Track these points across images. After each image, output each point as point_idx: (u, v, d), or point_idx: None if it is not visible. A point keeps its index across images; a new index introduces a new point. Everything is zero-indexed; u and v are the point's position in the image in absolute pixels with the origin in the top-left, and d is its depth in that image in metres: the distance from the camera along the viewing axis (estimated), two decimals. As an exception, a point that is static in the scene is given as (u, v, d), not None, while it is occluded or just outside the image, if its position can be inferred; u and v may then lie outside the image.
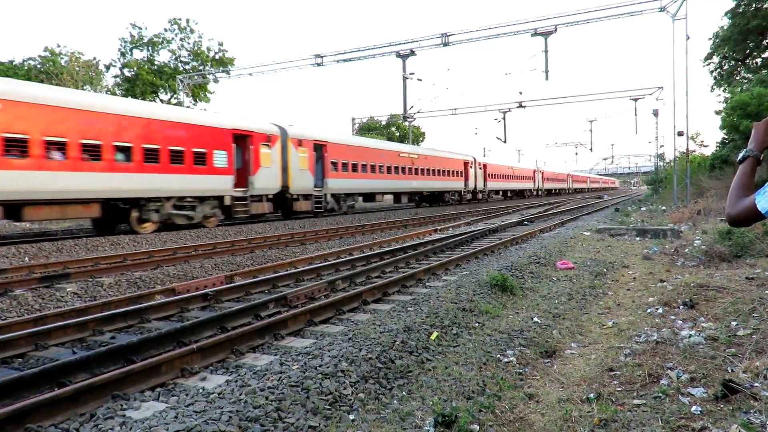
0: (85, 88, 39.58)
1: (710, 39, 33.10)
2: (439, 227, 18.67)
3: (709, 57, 33.71)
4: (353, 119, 51.93)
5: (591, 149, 60.99)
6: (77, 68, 41.25)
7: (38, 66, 40.33)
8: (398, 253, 11.71)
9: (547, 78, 26.01)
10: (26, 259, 11.50)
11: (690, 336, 5.34)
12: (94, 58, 44.44)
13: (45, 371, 4.21)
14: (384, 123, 62.65)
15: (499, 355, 5.07)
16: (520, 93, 48.90)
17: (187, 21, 45.06)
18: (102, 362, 4.62)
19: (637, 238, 14.65)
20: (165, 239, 14.62)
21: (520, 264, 9.74)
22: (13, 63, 40.38)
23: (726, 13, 30.26)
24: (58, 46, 44.78)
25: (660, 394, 4.01)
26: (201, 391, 4.06)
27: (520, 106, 40.64)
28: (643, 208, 27.85)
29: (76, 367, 4.42)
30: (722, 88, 33.11)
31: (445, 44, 27.32)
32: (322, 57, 30.28)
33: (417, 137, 63.53)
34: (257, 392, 3.84)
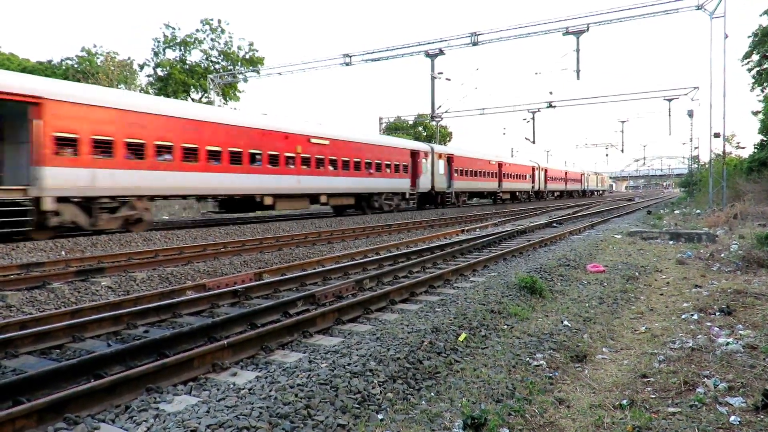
0: (119, 87, 40.57)
1: (749, 37, 32.07)
2: (466, 228, 18.55)
3: (747, 55, 32.66)
4: (380, 118, 52.10)
5: (622, 150, 59.89)
6: (112, 68, 42.32)
7: (75, 66, 41.52)
8: (425, 254, 11.68)
9: (578, 78, 25.63)
10: (63, 253, 11.84)
11: (727, 343, 5.19)
12: (129, 58, 45.63)
13: (82, 363, 4.33)
14: (411, 123, 62.59)
15: (528, 359, 5.00)
16: (551, 93, 48.23)
17: (219, 21, 45.84)
18: (136, 355, 4.73)
19: (671, 242, 14.30)
20: (195, 235, 14.89)
21: (550, 266, 9.60)
22: (52, 63, 41.66)
23: (766, 11, 29.28)
24: (95, 46, 45.96)
25: (696, 403, 3.91)
26: (232, 386, 4.11)
27: (550, 106, 40.12)
28: (676, 211, 27.17)
29: (112, 360, 4.53)
30: (761, 88, 32.07)
31: (475, 44, 27.13)
32: (350, 56, 30.40)
33: (444, 137, 63.27)
34: (287, 389, 3.87)
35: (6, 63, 37.39)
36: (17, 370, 4.74)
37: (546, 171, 55.37)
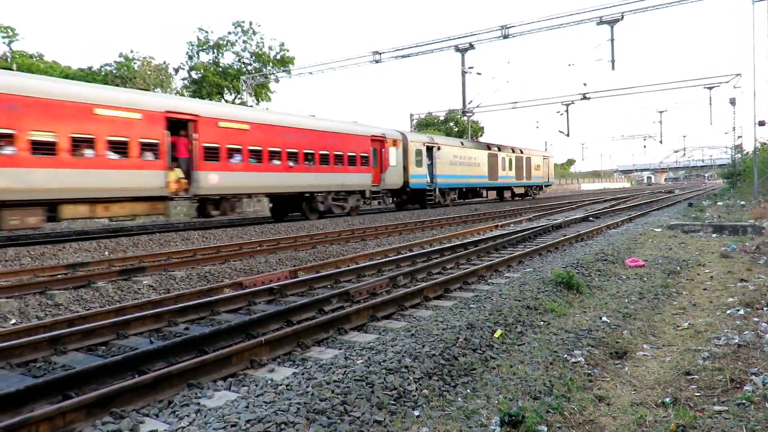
0: (155, 90, 41.63)
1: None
2: (500, 223, 18.35)
3: (794, 40, 31.21)
4: (411, 115, 51.95)
5: (661, 141, 58.22)
6: (149, 72, 43.47)
7: (114, 71, 42.81)
8: (459, 250, 11.61)
9: (613, 68, 25.06)
10: (106, 253, 12.24)
11: (776, 340, 4.99)
12: (164, 62, 46.78)
13: (126, 359, 4.47)
14: (442, 118, 62.25)
15: (566, 355, 4.92)
16: (585, 84, 47.34)
17: (250, 23, 46.51)
18: (177, 352, 4.85)
19: (714, 235, 13.82)
20: (231, 235, 15.17)
21: (587, 261, 9.41)
22: (92, 69, 43.05)
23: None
24: (132, 51, 47.31)
25: (744, 401, 3.77)
26: (269, 382, 4.18)
27: (585, 97, 39.28)
28: (719, 203, 26.24)
29: (154, 356, 4.66)
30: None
31: (505, 37, 26.78)
32: (380, 54, 30.43)
33: (476, 132, 62.70)
34: (323, 385, 3.91)
35: (49, 71, 38.85)
36: (66, 366, 4.93)
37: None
